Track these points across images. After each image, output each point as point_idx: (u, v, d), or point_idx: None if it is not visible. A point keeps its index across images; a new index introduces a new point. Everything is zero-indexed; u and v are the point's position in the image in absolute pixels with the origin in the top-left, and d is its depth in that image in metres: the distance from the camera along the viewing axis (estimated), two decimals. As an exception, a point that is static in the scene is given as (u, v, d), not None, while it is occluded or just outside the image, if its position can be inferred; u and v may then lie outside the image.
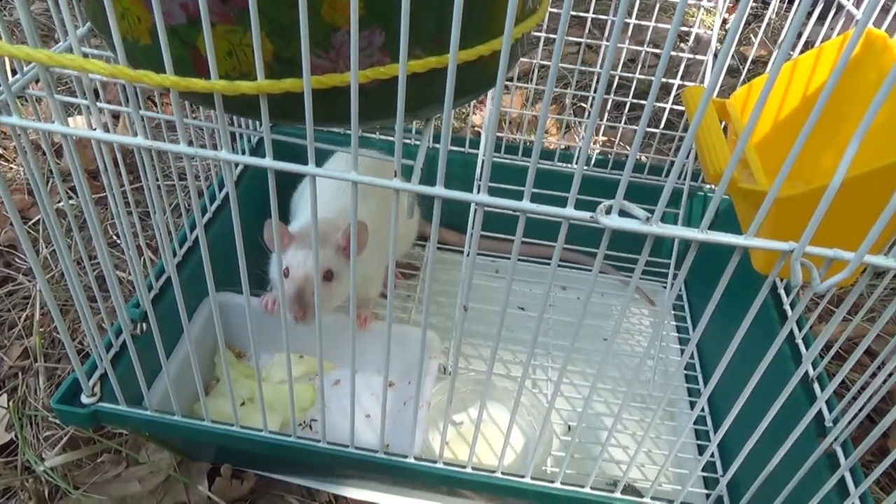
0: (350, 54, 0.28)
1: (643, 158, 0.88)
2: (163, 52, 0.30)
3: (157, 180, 0.58)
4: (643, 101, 0.87)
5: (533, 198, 0.33)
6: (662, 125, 0.87)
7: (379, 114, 0.37)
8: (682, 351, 0.83)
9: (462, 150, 0.89)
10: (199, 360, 0.62)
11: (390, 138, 0.86)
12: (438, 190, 0.34)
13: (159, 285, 0.65)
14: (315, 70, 0.31)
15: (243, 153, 0.82)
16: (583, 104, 1.19)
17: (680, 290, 0.90)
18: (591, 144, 1.13)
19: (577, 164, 0.88)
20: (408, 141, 0.88)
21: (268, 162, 0.33)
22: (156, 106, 1.03)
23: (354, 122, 0.31)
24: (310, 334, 0.79)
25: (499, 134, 0.92)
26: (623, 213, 0.33)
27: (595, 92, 0.30)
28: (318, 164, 0.80)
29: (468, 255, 0.83)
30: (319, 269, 0.64)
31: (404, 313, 0.84)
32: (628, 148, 1.12)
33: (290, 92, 0.31)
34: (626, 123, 0.91)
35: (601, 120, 0.94)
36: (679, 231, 0.33)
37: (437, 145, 0.90)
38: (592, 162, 0.89)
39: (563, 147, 0.89)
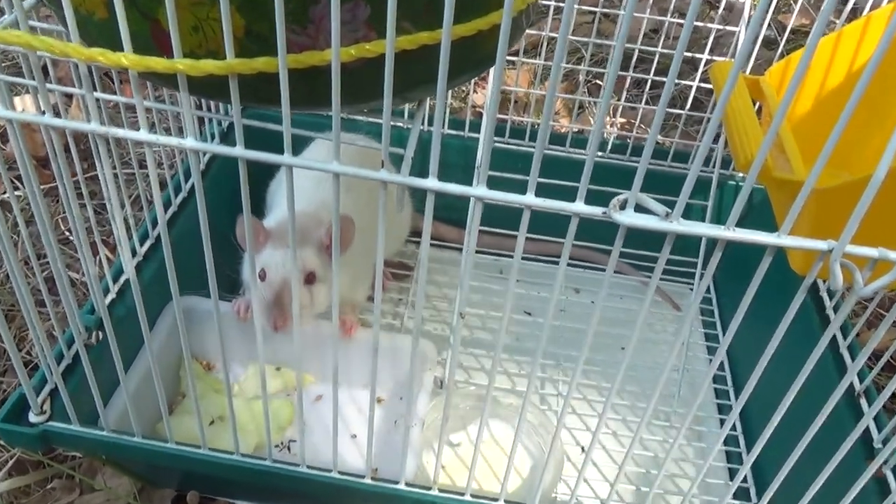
0: (331, 29, 0.29)
1: (666, 143, 0.88)
2: (119, 27, 0.30)
3: (115, 168, 0.59)
4: (665, 79, 0.87)
5: (540, 189, 0.34)
6: (689, 105, 0.88)
7: (364, 96, 0.37)
8: (711, 361, 0.83)
9: (461, 133, 0.89)
10: (162, 374, 0.61)
11: (378, 121, 0.87)
12: (431, 182, 0.34)
13: (117, 288, 0.65)
14: (292, 47, 0.31)
15: (212, 138, 0.82)
16: (598, 81, 1.20)
17: (708, 291, 0.91)
18: (608, 127, 1.13)
19: (589, 150, 0.89)
20: (399, 124, 0.88)
21: (238, 151, 0.34)
22: (113, 83, 1.03)
23: (336, 105, 0.31)
24: (287, 344, 0.80)
25: (503, 116, 0.93)
26: (640, 208, 0.34)
27: (611, 67, 0.30)
28: (296, 151, 0.80)
29: (467, 255, 0.84)
30: (301, 270, 0.65)
31: (395, 320, 0.84)
32: (649, 130, 1.12)
33: (263, 72, 0.31)
34: (646, 103, 0.91)
35: (618, 99, 0.94)
36: (702, 229, 0.33)
37: (433, 128, 0.91)
38: (608, 148, 0.89)
39: (575, 130, 0.89)
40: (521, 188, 0.39)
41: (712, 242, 0.91)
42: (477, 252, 0.88)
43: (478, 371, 0.81)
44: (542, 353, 0.77)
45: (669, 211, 0.33)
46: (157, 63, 0.29)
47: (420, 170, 0.31)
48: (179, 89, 0.31)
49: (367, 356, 0.75)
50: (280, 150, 0.36)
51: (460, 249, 0.84)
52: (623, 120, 1.13)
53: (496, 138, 0.88)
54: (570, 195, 0.34)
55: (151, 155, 0.36)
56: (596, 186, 0.79)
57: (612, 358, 0.80)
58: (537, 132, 0.90)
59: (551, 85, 0.31)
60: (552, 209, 0.34)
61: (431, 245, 0.97)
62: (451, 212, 0.90)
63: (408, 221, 0.87)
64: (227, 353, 0.46)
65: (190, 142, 0.33)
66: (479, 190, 0.33)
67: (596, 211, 0.34)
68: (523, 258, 0.93)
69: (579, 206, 0.34)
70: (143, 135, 0.33)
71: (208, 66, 0.30)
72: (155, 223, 0.72)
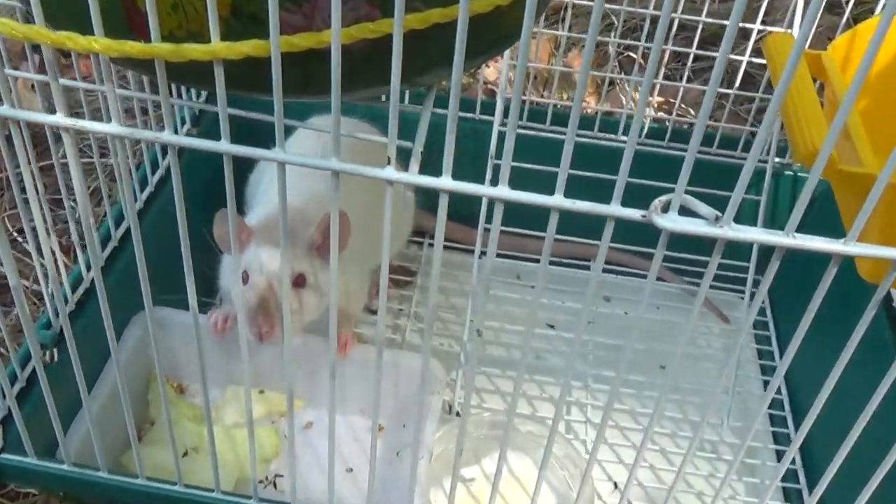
0: (330, 7, 0.30)
1: (709, 127, 0.89)
2: (89, 5, 0.31)
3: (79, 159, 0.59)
4: (710, 52, 0.88)
5: (568, 184, 0.34)
6: (738, 82, 0.88)
7: (366, 82, 0.38)
8: (766, 384, 0.84)
9: (472, 115, 0.90)
10: (129, 397, 0.62)
11: (375, 105, 0.87)
12: (444, 181, 0.35)
13: (76, 299, 0.66)
14: (285, 28, 0.32)
15: (182, 124, 0.83)
16: (631, 54, 1.20)
17: (763, 301, 0.91)
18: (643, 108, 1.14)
19: (626, 137, 0.89)
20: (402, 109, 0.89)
21: (224, 146, 0.34)
22: (68, 57, 1.04)
23: (336, 94, 0.32)
24: (272, 362, 0.81)
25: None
26: (684, 210, 0.34)
27: (658, 34, 0.30)
28: (273, 140, 0.81)
29: (481, 258, 0.84)
30: (293, 273, 0.66)
31: (395, 334, 0.85)
32: (692, 111, 1.12)
33: (252, 57, 0.32)
34: (688, 80, 0.91)
35: (655, 75, 0.94)
36: (758, 234, 0.34)
37: (444, 111, 0.91)
38: (644, 132, 0.90)
39: (603, 112, 0.89)
40: (539, 181, 0.40)
41: (768, 248, 0.92)
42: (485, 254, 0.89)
43: (492, 394, 0.81)
44: (573, 372, 0.77)
45: (720, 214, 0.33)
46: (133, 48, 0.30)
47: (424, 157, 0.32)
48: (157, 76, 0.32)
49: (364, 377, 0.77)
50: (262, 141, 0.37)
51: (470, 251, 0.85)
52: (660, 99, 1.14)
53: (506, 119, 0.88)
54: (599, 189, 0.35)
55: (124, 150, 0.37)
56: (630, 179, 0.80)
57: (650, 378, 0.81)
58: (560, 114, 0.91)
59: (585, 64, 0.31)
60: (585, 212, 0.35)
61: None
62: (459, 206, 0.90)
63: (410, 219, 0.88)
64: (204, 372, 0.46)
65: (168, 135, 0.34)
66: (501, 190, 0.34)
67: (634, 214, 0.34)
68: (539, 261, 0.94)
69: (616, 209, 0.35)
70: (114, 127, 0.34)
71: (191, 51, 0.31)
72: (119, 222, 0.73)
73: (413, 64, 0.34)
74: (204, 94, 0.89)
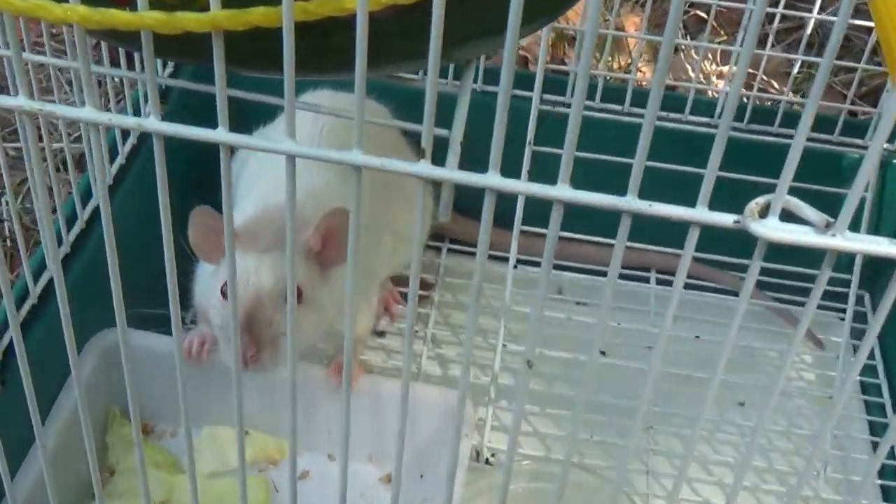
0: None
1: (795, 105, 0.89)
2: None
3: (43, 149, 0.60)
4: (799, 13, 0.88)
5: (617, 173, 0.34)
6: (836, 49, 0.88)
7: (393, 57, 0.39)
8: (871, 425, 0.84)
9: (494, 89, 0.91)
10: (81, 441, 0.63)
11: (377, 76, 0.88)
12: (492, 178, 0.35)
13: (20, 319, 0.67)
14: (298, -8, 0.33)
15: (145, 102, 0.84)
16: (699, 12, 1.20)
17: (863, 319, 0.91)
18: (714, 80, 1.14)
19: (695, 117, 0.90)
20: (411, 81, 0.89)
21: (222, 135, 0.35)
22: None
23: (361, 71, 0.33)
24: (259, 396, 0.81)
25: (559, 67, 0.94)
26: (785, 214, 0.35)
27: None
28: (257, 120, 0.81)
29: (515, 267, 0.85)
30: (280, 283, 0.66)
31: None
32: (775, 84, 1.13)
33: (259, 28, 0.32)
34: (773, 45, 0.91)
35: (726, 40, 0.95)
36: (878, 245, 0.34)
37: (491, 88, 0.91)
38: (718, 111, 0.91)
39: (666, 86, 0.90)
40: (587, 172, 0.40)
41: (877, 259, 0.91)
42: (522, 262, 0.90)
43: (529, 437, 0.82)
44: (625, 409, 0.77)
45: (831, 220, 0.33)
46: (118, 18, 0.31)
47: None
48: (143, 51, 0.33)
49: (374, 414, 0.77)
50: (244, 126, 0.37)
51: (500, 258, 0.86)
52: (736, 69, 1.14)
53: (546, 95, 0.89)
54: (663, 184, 0.35)
55: (98, 137, 0.38)
56: (688, 167, 0.80)
57: (726, 415, 0.81)
58: (615, 88, 0.91)
59: (671, 24, 0.31)
60: (663, 216, 0.35)
61: (459, 252, 1.00)
62: (481, 202, 0.91)
63: (427, 220, 0.89)
64: (176, 407, 0.46)
65: (154, 121, 0.35)
66: (561, 190, 0.34)
67: (725, 220, 0.35)
68: (587, 271, 0.95)
69: (703, 213, 0.35)
70: (89, 112, 0.35)
71: (188, 21, 0.31)
72: (71, 223, 0.74)
73: (450, 35, 0.35)
74: (170, 66, 0.90)
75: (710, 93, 1.05)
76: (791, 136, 0.88)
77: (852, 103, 0.97)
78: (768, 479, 0.78)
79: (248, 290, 0.64)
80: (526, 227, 0.84)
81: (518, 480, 0.73)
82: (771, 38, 0.89)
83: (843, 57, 0.95)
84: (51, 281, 0.71)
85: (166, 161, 0.37)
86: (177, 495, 0.72)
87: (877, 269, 0.91)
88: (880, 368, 0.87)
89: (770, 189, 0.34)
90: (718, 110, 0.91)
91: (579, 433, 0.80)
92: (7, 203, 0.90)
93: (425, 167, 0.35)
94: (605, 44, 0.95)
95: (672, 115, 0.90)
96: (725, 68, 1.09)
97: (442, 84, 0.88)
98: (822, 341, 0.90)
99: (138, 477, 0.51)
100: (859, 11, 0.90)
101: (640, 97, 0.90)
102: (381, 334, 0.89)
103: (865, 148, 0.87)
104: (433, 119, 0.35)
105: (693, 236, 0.36)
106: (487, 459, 0.78)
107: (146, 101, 0.84)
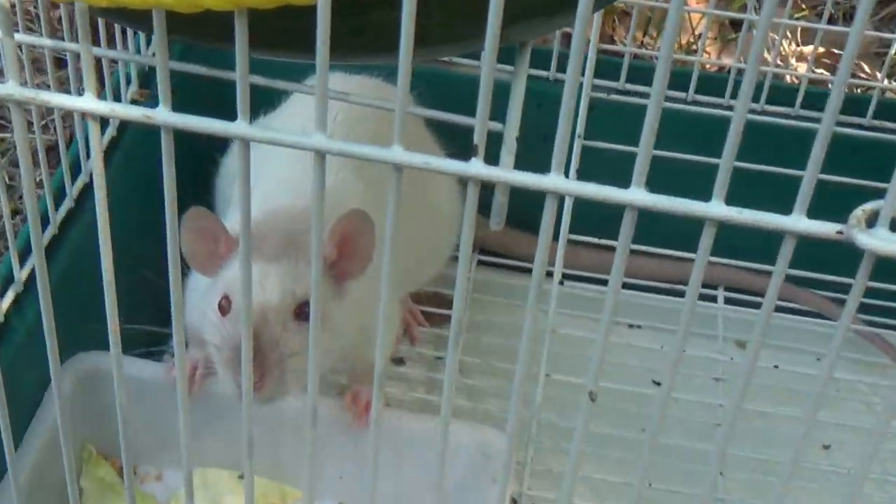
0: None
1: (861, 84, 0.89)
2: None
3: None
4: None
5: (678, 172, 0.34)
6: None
7: (437, 39, 0.39)
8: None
9: (544, 73, 0.92)
10: (54, 486, 0.62)
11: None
12: (554, 179, 0.35)
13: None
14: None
15: (127, 84, 0.85)
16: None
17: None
18: (793, 62, 1.14)
19: (771, 107, 0.89)
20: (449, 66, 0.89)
21: (242, 128, 0.35)
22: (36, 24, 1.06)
23: (407, 54, 0.33)
24: (260, 432, 0.80)
25: (610, 47, 0.94)
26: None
27: None
28: (257, 110, 0.81)
29: (561, 283, 0.85)
30: (295, 300, 0.66)
31: (432, 393, 0.86)
32: (866, 68, 1.12)
33: (290, 6, 0.33)
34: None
35: (799, 14, 0.94)
36: None
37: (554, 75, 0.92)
38: (799, 100, 0.91)
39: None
40: (614, 166, 0.39)
41: None
42: (568, 278, 0.90)
43: (577, 482, 0.81)
44: (688, 452, 0.77)
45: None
46: (131, -5, 0.31)
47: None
48: (155, 32, 0.33)
49: (394, 455, 0.77)
50: (229, 113, 0.37)
51: (548, 272, 0.86)
52: (821, 50, 1.14)
53: (598, 81, 0.89)
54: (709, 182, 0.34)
55: (95, 128, 0.38)
56: (760, 166, 0.80)
57: (808, 461, 0.81)
58: (674, 72, 0.91)
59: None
60: (753, 224, 0.36)
61: (489, 264, 0.99)
62: (519, 205, 0.92)
63: (453, 228, 0.89)
64: (161, 446, 0.46)
65: (165, 112, 0.35)
66: (634, 194, 0.34)
67: (827, 230, 0.35)
68: (641, 287, 0.94)
69: (800, 221, 0.35)
70: (89, 102, 0.35)
71: (206, -3, 0.32)
72: (42, 227, 0.74)
73: (507, 11, 0.35)
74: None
75: (788, 77, 1.05)
76: (855, 125, 0.89)
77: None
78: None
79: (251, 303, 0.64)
80: (573, 236, 0.85)
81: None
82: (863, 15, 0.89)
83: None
84: (18, 297, 0.71)
85: (147, 155, 0.37)
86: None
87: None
88: None
89: (867, 194, 0.34)
90: (800, 98, 0.90)
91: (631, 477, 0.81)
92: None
93: (479, 167, 0.36)
94: (662, 20, 0.95)
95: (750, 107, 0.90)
96: (808, 49, 1.09)
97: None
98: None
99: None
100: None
101: (703, 82, 0.91)
102: (400, 361, 0.89)
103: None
104: (488, 109, 0.35)
105: (787, 249, 0.36)
106: (530, 511, 0.78)
107: (128, 83, 0.85)
